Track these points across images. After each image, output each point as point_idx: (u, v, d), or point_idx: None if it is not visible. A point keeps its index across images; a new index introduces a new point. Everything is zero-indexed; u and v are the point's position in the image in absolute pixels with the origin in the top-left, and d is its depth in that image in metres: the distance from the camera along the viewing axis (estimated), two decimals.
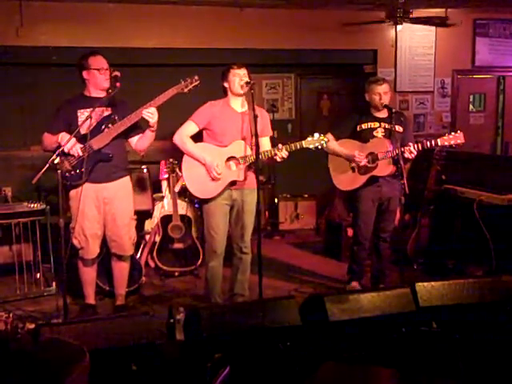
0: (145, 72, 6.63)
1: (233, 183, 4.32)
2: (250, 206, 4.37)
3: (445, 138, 4.55)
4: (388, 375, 2.73)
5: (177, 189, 5.59)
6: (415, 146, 4.51)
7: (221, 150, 4.30)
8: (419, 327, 3.21)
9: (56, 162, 3.81)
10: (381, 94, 4.68)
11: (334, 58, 7.33)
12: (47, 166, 3.78)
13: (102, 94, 4.23)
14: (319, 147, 4.21)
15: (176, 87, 4.08)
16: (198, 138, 4.40)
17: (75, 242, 4.32)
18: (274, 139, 4.61)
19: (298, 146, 4.18)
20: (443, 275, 4.98)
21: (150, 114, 4.07)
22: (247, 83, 4.18)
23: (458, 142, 4.51)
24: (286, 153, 4.18)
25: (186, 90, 4.07)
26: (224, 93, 4.39)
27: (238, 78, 4.25)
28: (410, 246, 5.62)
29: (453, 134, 4.56)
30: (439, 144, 4.55)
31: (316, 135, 4.19)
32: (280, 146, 4.19)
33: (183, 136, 4.34)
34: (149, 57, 6.55)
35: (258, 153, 4.02)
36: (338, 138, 4.79)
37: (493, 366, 2.95)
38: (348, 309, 3.14)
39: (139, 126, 4.30)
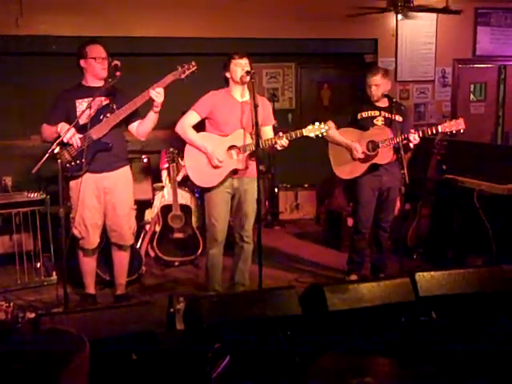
0: (145, 61, 6.59)
1: (234, 172, 4.33)
2: (250, 195, 4.38)
3: (446, 124, 4.53)
4: (387, 365, 2.73)
5: (179, 178, 5.59)
6: (416, 133, 4.50)
7: (222, 139, 4.29)
8: (419, 317, 3.22)
9: (56, 151, 3.80)
10: (371, 86, 4.67)
11: (335, 47, 7.30)
12: (47, 155, 3.77)
13: (100, 84, 4.22)
14: (320, 135, 4.19)
15: (173, 74, 4.05)
16: (200, 127, 4.40)
17: (75, 232, 4.31)
18: (276, 129, 4.60)
19: (299, 134, 4.17)
20: (443, 265, 4.97)
21: (158, 93, 4.03)
22: (247, 72, 4.18)
23: (459, 128, 4.49)
24: (287, 141, 4.18)
25: (183, 76, 4.04)
26: (226, 83, 4.38)
27: (240, 67, 4.24)
28: (409, 236, 5.63)
29: (454, 120, 4.55)
30: (440, 131, 4.53)
31: (317, 123, 4.17)
32: (280, 133, 4.19)
33: (185, 126, 4.34)
34: (149, 46, 6.52)
35: (257, 142, 4.01)
36: (338, 126, 4.79)
37: (493, 356, 2.96)
38: (348, 299, 3.15)
39: (138, 113, 4.28)
